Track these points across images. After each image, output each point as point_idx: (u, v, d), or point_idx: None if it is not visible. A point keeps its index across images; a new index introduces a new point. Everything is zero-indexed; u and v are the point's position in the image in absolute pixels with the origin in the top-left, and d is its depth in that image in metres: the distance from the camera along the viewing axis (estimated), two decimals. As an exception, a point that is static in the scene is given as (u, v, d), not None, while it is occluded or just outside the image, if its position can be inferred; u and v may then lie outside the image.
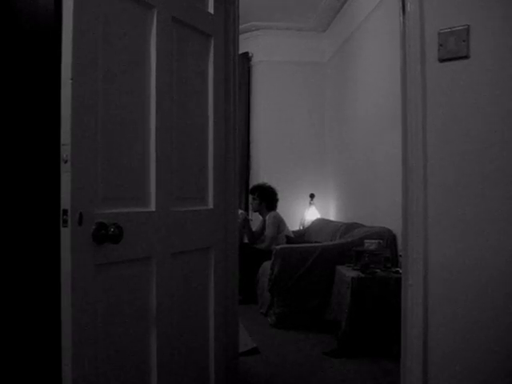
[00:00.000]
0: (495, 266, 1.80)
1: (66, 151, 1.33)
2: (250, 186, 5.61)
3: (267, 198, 4.97)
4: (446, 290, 1.88)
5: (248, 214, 5.29)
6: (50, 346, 1.45)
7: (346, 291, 3.16)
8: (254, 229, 5.10)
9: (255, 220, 5.28)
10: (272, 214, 4.87)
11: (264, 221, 4.99)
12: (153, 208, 1.68)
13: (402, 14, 2.01)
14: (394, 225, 3.69)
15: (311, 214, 5.75)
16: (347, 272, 3.31)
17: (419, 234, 1.92)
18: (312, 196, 5.87)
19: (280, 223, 4.83)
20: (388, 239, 3.73)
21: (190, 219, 1.89)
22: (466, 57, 1.85)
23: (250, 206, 5.28)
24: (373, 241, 3.51)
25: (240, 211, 4.88)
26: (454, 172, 1.87)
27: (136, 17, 1.62)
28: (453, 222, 1.87)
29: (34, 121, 1.51)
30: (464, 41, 1.84)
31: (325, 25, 5.88)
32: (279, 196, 5.09)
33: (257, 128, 6.08)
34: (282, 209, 5.15)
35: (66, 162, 1.33)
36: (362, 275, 3.18)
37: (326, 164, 6.01)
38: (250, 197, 5.14)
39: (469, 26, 1.84)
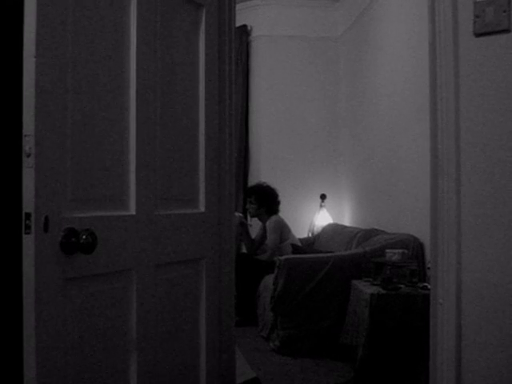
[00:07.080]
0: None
1: (29, 143, 1.33)
2: (248, 186, 5.61)
3: (266, 201, 4.95)
4: (483, 310, 1.87)
5: (246, 219, 5.27)
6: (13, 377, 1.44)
7: (364, 310, 3.16)
8: (253, 236, 5.10)
9: (255, 225, 5.27)
10: (273, 218, 4.87)
11: (264, 227, 4.99)
12: (133, 211, 1.68)
13: (430, -21, 2.01)
14: (421, 231, 3.68)
15: (322, 219, 5.76)
16: (365, 288, 3.31)
17: (451, 242, 1.92)
18: (323, 197, 5.87)
19: (283, 229, 4.83)
20: (414, 248, 3.73)
21: (177, 224, 1.89)
22: (507, 30, 1.84)
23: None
24: (396, 250, 3.51)
25: (236, 214, 4.88)
26: (494, 168, 1.87)
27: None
28: (493, 228, 1.86)
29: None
30: (505, 11, 1.84)
31: (338, -7, 5.89)
32: (284, 197, 5.08)
33: (256, 115, 6.08)
34: (287, 212, 5.15)
35: (28, 155, 1.32)
36: (383, 291, 3.18)
37: (340, 159, 6.02)
38: (247, 200, 5.12)
39: (510, -7, 1.84)
